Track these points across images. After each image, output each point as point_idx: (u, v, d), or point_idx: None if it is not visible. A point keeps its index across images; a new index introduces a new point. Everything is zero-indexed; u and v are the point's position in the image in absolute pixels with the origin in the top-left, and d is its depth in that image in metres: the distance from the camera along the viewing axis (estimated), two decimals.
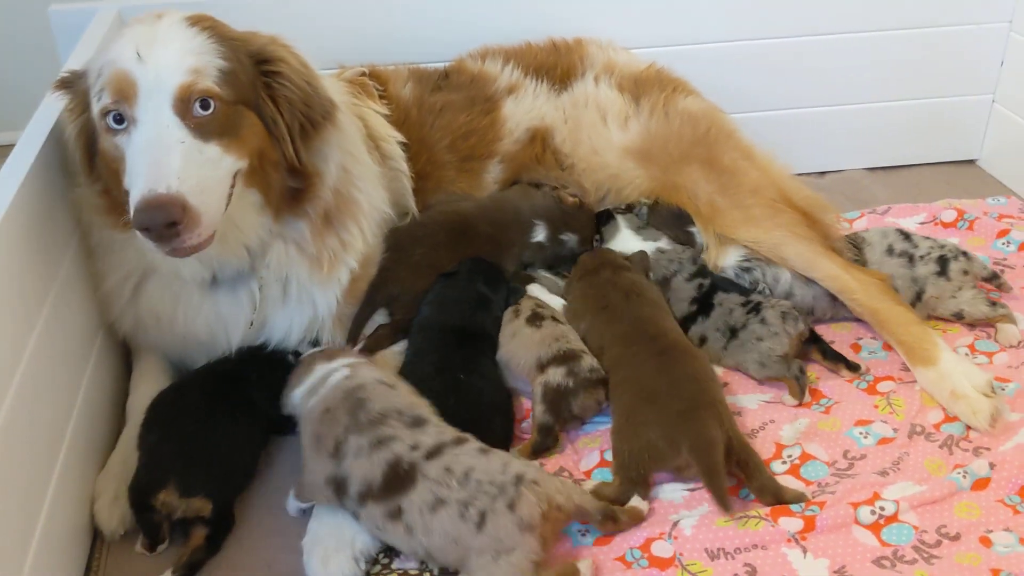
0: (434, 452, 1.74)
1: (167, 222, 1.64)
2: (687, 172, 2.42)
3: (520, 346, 2.10)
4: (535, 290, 2.29)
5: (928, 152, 3.18)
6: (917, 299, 2.30)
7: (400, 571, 1.76)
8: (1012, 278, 2.45)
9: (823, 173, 3.09)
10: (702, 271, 2.33)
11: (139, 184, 1.67)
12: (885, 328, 2.22)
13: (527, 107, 2.55)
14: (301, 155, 1.91)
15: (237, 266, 1.99)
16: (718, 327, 2.20)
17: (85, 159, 1.90)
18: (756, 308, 2.17)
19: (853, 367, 2.16)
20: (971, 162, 3.21)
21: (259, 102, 1.86)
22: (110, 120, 1.76)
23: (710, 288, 2.28)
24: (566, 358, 2.04)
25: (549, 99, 2.57)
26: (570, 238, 2.44)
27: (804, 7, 2.89)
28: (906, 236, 2.39)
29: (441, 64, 2.62)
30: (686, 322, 2.25)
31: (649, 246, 2.39)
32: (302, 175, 1.95)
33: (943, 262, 2.30)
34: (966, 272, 2.30)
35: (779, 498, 1.82)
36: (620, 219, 2.46)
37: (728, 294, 2.25)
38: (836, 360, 2.17)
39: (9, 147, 1.88)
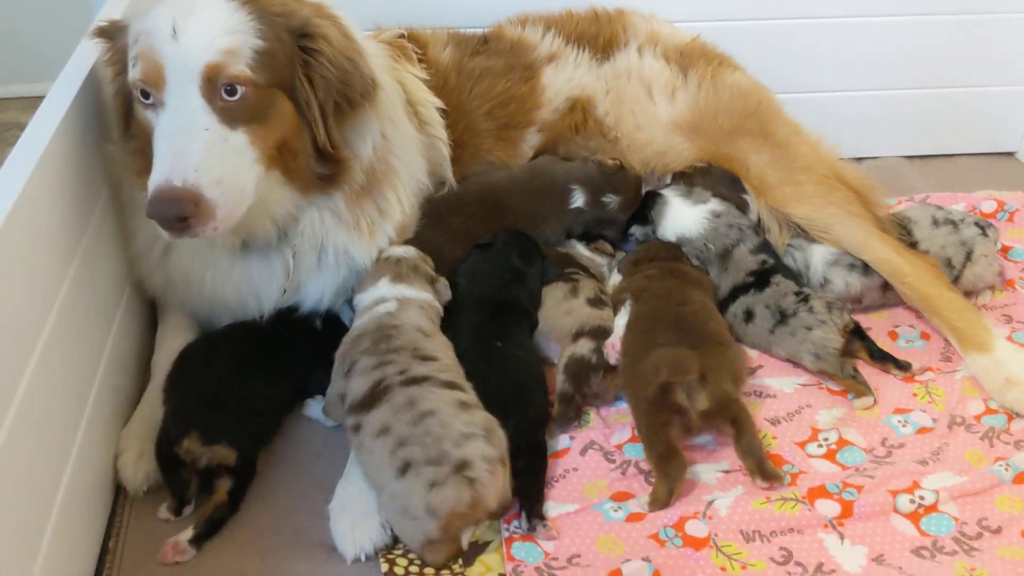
0: (412, 381, 1.72)
1: (179, 216, 1.62)
2: (738, 144, 2.37)
3: (568, 318, 2.08)
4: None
5: (967, 142, 3.13)
6: (968, 259, 2.27)
7: None
8: None
9: (861, 159, 3.02)
10: (765, 246, 2.28)
11: (157, 170, 1.64)
12: (937, 314, 2.17)
13: (567, 76, 2.49)
14: (334, 137, 1.85)
15: (265, 237, 1.95)
16: (768, 304, 2.14)
17: (122, 118, 1.87)
18: (805, 298, 2.12)
19: (903, 366, 2.09)
20: (1010, 154, 3.15)
21: (294, 84, 1.80)
22: (139, 94, 1.73)
23: (772, 268, 2.22)
24: (598, 333, 2.02)
25: (591, 69, 2.51)
26: (612, 199, 2.39)
27: None
28: (939, 207, 2.40)
29: (479, 30, 2.56)
30: (736, 292, 2.20)
31: (702, 210, 2.31)
32: (332, 161, 1.89)
33: (979, 226, 2.32)
34: (997, 241, 2.37)
35: (761, 467, 1.80)
36: (666, 192, 2.38)
37: (787, 280, 2.19)
38: (884, 360, 2.10)
39: (42, 98, 1.83)
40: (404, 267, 2.00)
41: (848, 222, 2.26)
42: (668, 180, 2.45)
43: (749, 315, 2.16)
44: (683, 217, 2.33)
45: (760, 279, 2.19)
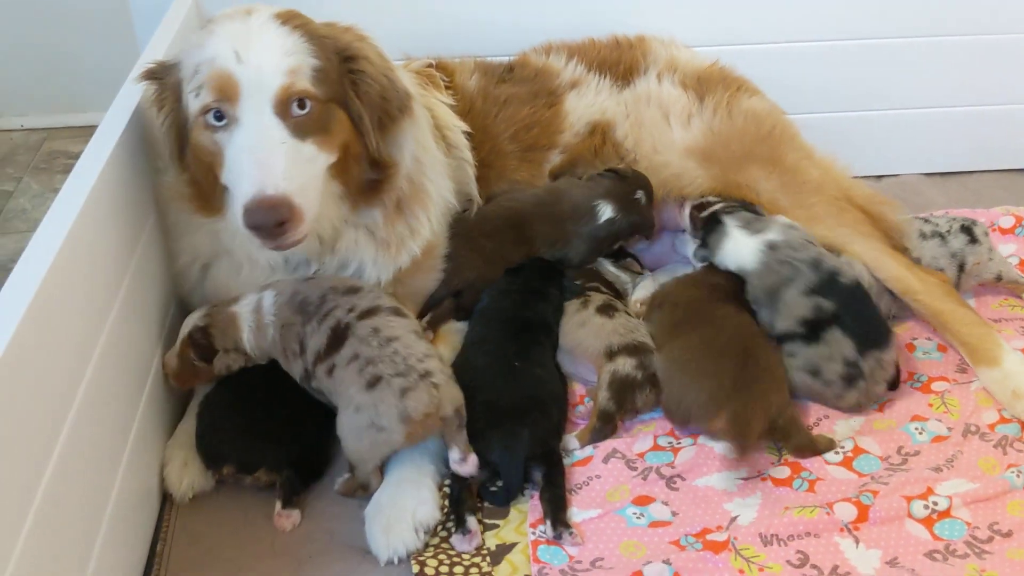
0: (367, 313, 1.90)
1: (278, 222, 1.74)
2: (749, 171, 2.44)
3: (589, 334, 2.14)
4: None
5: (986, 159, 3.17)
6: (960, 271, 2.33)
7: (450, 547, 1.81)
8: None
9: (880, 177, 3.08)
10: (828, 284, 2.07)
11: (247, 184, 1.76)
12: (948, 329, 2.23)
13: (589, 101, 2.58)
14: (381, 147, 1.98)
15: (309, 253, 2.06)
16: (810, 359, 2.03)
17: (176, 150, 1.96)
18: (851, 380, 2.00)
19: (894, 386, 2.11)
20: None
21: (347, 98, 1.93)
22: (210, 117, 1.83)
23: (830, 317, 2.03)
24: (638, 350, 2.07)
25: (611, 95, 2.60)
26: (641, 195, 2.44)
27: (866, 10, 2.90)
28: (924, 219, 2.44)
29: (506, 58, 2.67)
30: (783, 338, 2.08)
31: (759, 241, 2.19)
32: (381, 166, 2.02)
33: (967, 231, 2.36)
34: (987, 233, 2.39)
35: (814, 450, 1.92)
36: (727, 220, 2.26)
37: (846, 337, 2.00)
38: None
39: (90, 128, 1.94)
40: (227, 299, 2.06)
41: (859, 242, 2.32)
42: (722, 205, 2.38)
43: (790, 355, 2.06)
44: (740, 250, 2.22)
45: (812, 331, 2.04)
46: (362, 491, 1.88)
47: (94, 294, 1.67)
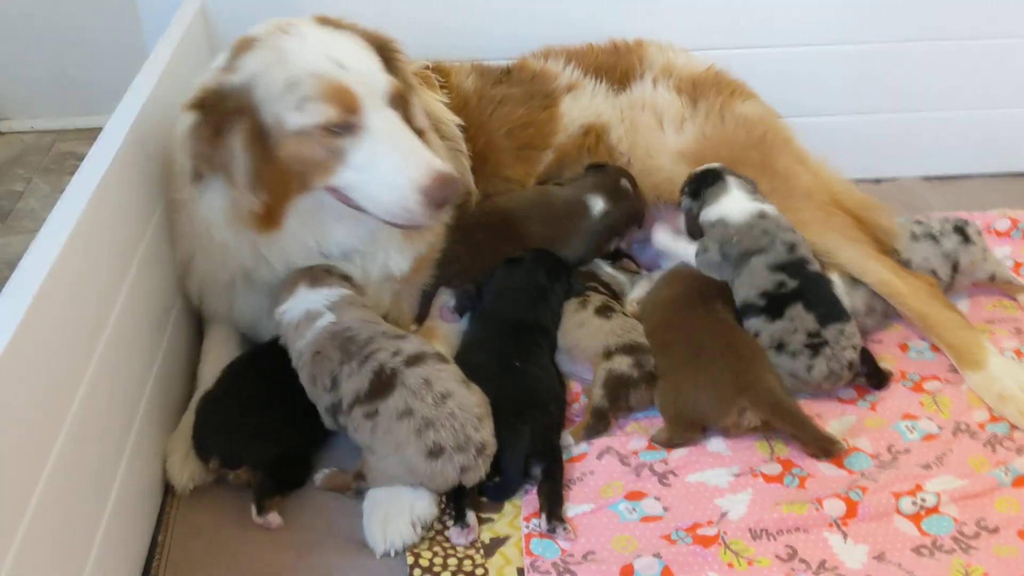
0: (414, 360, 1.88)
1: (455, 191, 1.93)
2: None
3: (587, 334, 2.17)
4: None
5: (984, 163, 3.19)
6: (954, 271, 2.36)
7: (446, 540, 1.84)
8: None
9: (879, 180, 3.10)
10: (794, 265, 2.17)
11: (414, 170, 1.88)
12: (934, 332, 2.25)
13: (584, 105, 2.62)
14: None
15: (361, 243, 2.15)
16: (773, 334, 2.10)
17: (252, 170, 1.91)
18: (817, 348, 2.06)
19: (880, 385, 2.17)
20: None
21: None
22: (329, 130, 1.88)
23: (792, 293, 2.13)
24: (634, 349, 2.10)
25: (607, 99, 2.64)
26: (626, 183, 2.49)
27: (865, 14, 2.93)
28: (917, 221, 2.47)
29: (505, 62, 2.70)
30: (747, 311, 2.17)
31: (755, 207, 2.27)
32: None
33: (960, 231, 2.38)
34: (979, 232, 2.41)
35: (827, 449, 1.95)
36: (729, 178, 2.33)
37: (809, 313, 2.08)
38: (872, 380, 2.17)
39: (100, 130, 1.96)
40: (316, 271, 2.09)
41: (847, 247, 2.34)
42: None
43: (756, 335, 2.13)
44: (734, 205, 2.29)
45: (773, 306, 2.13)
46: (349, 490, 1.91)
47: (98, 289, 1.71)
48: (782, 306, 2.12)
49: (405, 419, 1.81)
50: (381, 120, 1.91)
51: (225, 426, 1.94)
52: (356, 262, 2.16)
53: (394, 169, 1.90)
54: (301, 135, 1.89)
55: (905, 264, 2.37)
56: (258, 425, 1.94)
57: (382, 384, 1.86)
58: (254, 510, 1.86)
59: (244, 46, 1.94)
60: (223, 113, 1.89)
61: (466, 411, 1.83)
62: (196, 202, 2.00)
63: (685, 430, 1.99)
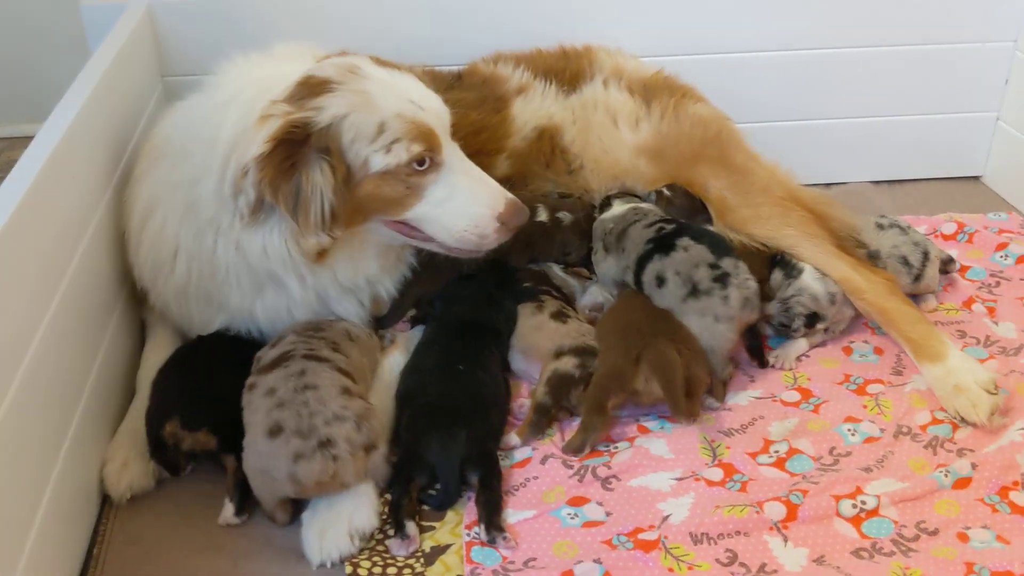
0: (313, 358, 1.95)
1: (526, 216, 2.11)
2: (698, 169, 2.49)
3: (544, 337, 2.19)
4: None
5: (933, 167, 3.23)
6: (925, 258, 2.40)
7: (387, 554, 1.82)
8: (1008, 289, 2.52)
9: (829, 185, 3.12)
10: (668, 221, 2.32)
11: (492, 200, 2.07)
12: (893, 326, 2.27)
13: (536, 106, 2.62)
14: None
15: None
16: (679, 271, 2.17)
17: (330, 208, 1.92)
18: (723, 280, 2.14)
19: (763, 363, 2.27)
20: (976, 178, 3.25)
21: None
22: (413, 166, 1.97)
23: (673, 232, 2.25)
24: (583, 352, 2.13)
25: (557, 100, 2.65)
26: (566, 216, 2.51)
27: (813, 21, 2.96)
28: (881, 216, 2.52)
29: (455, 67, 2.70)
30: (643, 261, 2.23)
31: (631, 204, 2.45)
32: None
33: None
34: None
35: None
36: (615, 200, 2.48)
37: (698, 244, 2.19)
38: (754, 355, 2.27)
39: None
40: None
41: (806, 243, 2.36)
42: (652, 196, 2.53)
43: (661, 281, 2.19)
44: (613, 211, 2.46)
45: (661, 244, 2.23)
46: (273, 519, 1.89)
47: (29, 297, 1.68)
48: (670, 241, 2.23)
49: (268, 396, 1.87)
50: (454, 154, 2.05)
51: (187, 388, 1.98)
52: (362, 290, 2.21)
53: (473, 201, 2.04)
54: (385, 174, 1.95)
55: (873, 255, 2.40)
56: (215, 390, 1.98)
57: (276, 362, 1.95)
58: (231, 509, 1.87)
59: (319, 87, 1.92)
60: (305, 149, 1.88)
61: (323, 405, 1.84)
62: (247, 230, 1.95)
63: (597, 412, 2.01)
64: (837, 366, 2.26)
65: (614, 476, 1.95)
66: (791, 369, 2.27)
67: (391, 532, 1.83)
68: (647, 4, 2.89)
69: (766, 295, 2.29)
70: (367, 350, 2.14)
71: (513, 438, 2.05)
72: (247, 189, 1.87)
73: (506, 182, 2.57)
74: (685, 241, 2.21)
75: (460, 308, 2.26)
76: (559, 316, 2.24)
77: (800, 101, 3.08)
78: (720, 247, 2.21)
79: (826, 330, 2.34)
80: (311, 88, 1.92)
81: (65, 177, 1.92)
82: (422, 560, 1.79)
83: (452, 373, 2.06)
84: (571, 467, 1.97)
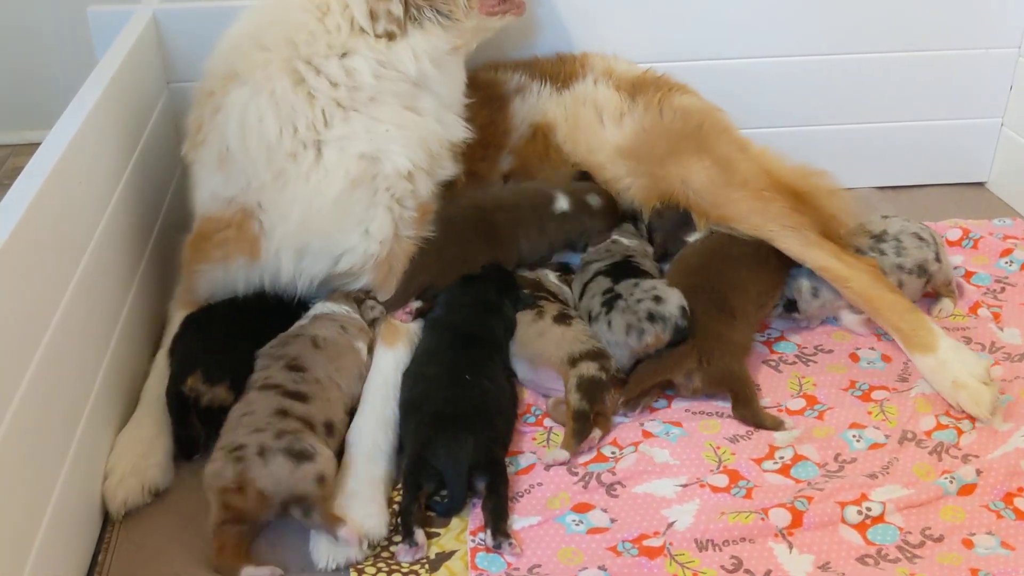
0: (264, 387, 1.96)
1: None
2: (675, 166, 2.48)
3: (550, 343, 2.18)
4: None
5: (937, 173, 3.22)
6: (937, 259, 2.42)
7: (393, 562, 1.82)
8: (1012, 295, 2.52)
9: None
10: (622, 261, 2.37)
11: None
12: (880, 316, 2.26)
13: (532, 104, 2.70)
14: None
15: None
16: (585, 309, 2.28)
17: None
18: (611, 304, 2.21)
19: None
20: (980, 184, 3.24)
21: None
22: None
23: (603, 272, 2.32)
24: (598, 355, 2.13)
25: (551, 97, 2.71)
26: (595, 200, 2.55)
27: (817, 28, 2.95)
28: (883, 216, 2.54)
29: None
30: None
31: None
32: None
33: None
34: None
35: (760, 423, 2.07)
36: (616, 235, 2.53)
37: (607, 279, 2.28)
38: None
39: None
40: (337, 293, 2.29)
41: (786, 237, 2.34)
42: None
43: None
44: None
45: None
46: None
47: (34, 304, 1.68)
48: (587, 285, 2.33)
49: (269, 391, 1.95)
50: None
51: (210, 342, 2.09)
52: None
53: None
54: None
55: (880, 235, 2.41)
56: (237, 347, 2.07)
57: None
58: None
59: None
60: None
61: (250, 423, 1.86)
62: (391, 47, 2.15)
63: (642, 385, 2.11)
64: (843, 372, 2.26)
65: (619, 482, 1.94)
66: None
67: (397, 539, 1.83)
68: (649, 10, 2.89)
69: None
70: (340, 351, 2.12)
71: (561, 453, 2.01)
72: (390, 6, 2.11)
73: (511, 178, 2.70)
74: (598, 281, 2.29)
75: (460, 317, 2.25)
76: (562, 319, 2.23)
77: (804, 107, 3.07)
78: (629, 274, 2.28)
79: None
80: None
81: (71, 183, 1.92)
82: (427, 566, 1.78)
83: (457, 381, 2.06)
84: (575, 473, 1.97)
